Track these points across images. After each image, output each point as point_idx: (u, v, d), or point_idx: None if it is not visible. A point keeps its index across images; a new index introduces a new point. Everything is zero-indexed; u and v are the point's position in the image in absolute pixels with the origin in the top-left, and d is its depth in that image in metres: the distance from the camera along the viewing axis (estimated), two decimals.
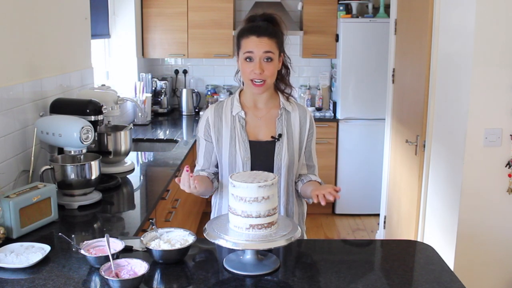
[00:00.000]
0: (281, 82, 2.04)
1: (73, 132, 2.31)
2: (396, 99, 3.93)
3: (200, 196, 2.10)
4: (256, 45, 1.88)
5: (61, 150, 2.45)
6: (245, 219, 1.61)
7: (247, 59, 1.90)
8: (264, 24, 1.92)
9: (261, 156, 1.98)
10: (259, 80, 1.90)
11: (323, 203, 1.80)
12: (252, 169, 1.95)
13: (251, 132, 2.00)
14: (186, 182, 1.79)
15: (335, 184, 5.01)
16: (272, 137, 1.99)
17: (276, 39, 1.91)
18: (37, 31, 2.55)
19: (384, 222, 4.22)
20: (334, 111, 5.01)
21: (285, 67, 2.03)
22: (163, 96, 5.07)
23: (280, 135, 1.99)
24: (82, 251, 1.69)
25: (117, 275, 1.55)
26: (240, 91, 2.05)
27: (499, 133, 2.65)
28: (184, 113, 5.13)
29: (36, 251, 1.77)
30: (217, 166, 2.07)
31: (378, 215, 4.48)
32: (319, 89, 5.20)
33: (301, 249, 1.90)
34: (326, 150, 4.89)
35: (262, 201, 1.59)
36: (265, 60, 1.88)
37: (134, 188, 2.78)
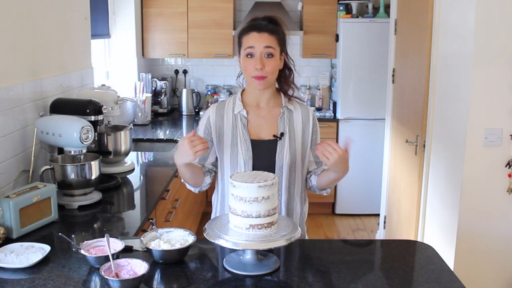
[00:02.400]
0: (285, 83, 2.04)
1: (73, 132, 2.31)
2: (396, 99, 3.93)
3: (191, 189, 2.07)
4: (257, 40, 1.89)
5: (61, 150, 2.45)
6: (245, 219, 1.61)
7: (248, 55, 1.91)
8: (263, 22, 1.95)
9: (263, 155, 1.98)
10: (260, 76, 1.90)
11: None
12: (253, 168, 1.95)
13: (252, 131, 2.00)
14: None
15: (335, 186, 5.00)
16: (274, 136, 1.99)
17: (277, 36, 1.93)
18: (37, 31, 2.55)
19: (384, 222, 4.22)
20: (334, 111, 5.01)
21: (288, 69, 2.03)
22: (163, 96, 5.07)
23: (282, 134, 1.99)
24: (82, 251, 1.69)
25: (117, 275, 1.55)
26: (243, 91, 2.06)
27: (499, 133, 2.65)
28: (184, 113, 5.13)
29: (36, 251, 1.77)
30: (212, 165, 2.06)
31: (378, 215, 4.48)
32: (319, 89, 5.20)
33: (301, 249, 1.90)
34: None
35: (262, 201, 1.59)
36: (266, 55, 1.90)
37: (134, 188, 2.78)
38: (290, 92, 2.05)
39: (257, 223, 1.60)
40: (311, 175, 2.06)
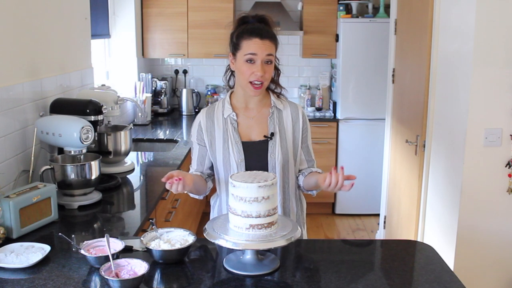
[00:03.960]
0: (271, 82, 2.04)
1: (73, 132, 2.31)
2: (396, 99, 3.93)
3: (195, 197, 2.10)
4: (260, 47, 1.88)
5: (61, 150, 2.45)
6: (245, 219, 1.61)
7: (249, 61, 1.89)
8: (264, 26, 1.93)
9: (255, 156, 1.98)
10: (258, 82, 1.90)
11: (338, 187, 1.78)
12: (246, 170, 1.95)
13: (243, 133, 2.00)
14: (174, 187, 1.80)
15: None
16: (264, 136, 1.99)
17: (276, 42, 1.93)
18: (37, 31, 2.55)
19: (384, 222, 4.22)
20: (334, 111, 5.01)
21: (275, 69, 2.02)
22: (163, 96, 5.07)
23: (272, 134, 1.99)
24: (82, 251, 1.69)
25: (117, 275, 1.55)
26: (231, 93, 2.05)
27: (499, 133, 2.65)
28: (184, 113, 5.13)
29: (36, 251, 1.77)
30: (210, 169, 2.08)
31: (378, 215, 4.48)
32: (319, 89, 5.20)
33: (301, 249, 1.90)
34: (326, 150, 4.88)
35: (262, 201, 1.60)
36: (265, 62, 1.89)
37: (134, 188, 2.78)
38: (277, 90, 2.06)
39: (257, 223, 1.61)
40: (299, 175, 2.06)
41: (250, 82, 1.90)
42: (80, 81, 3.08)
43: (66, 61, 2.90)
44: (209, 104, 5.04)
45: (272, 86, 2.05)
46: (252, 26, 1.93)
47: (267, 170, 1.96)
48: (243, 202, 1.60)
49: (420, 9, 3.29)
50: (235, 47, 1.93)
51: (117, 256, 1.68)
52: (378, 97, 4.74)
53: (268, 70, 1.90)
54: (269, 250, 1.75)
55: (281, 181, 2.00)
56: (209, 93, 5.28)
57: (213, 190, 2.14)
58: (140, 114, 4.46)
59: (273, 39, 1.92)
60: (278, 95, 2.06)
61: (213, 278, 1.66)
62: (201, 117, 2.05)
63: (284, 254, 1.81)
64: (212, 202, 2.16)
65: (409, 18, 3.59)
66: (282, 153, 1.98)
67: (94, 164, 2.36)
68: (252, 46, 1.88)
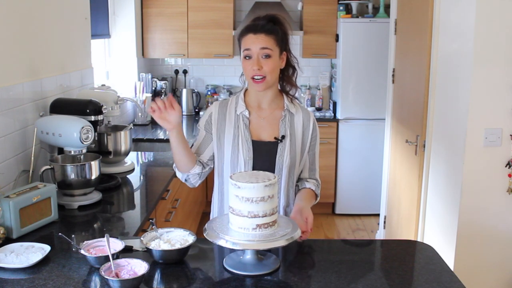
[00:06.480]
0: (287, 82, 2.04)
1: (73, 132, 2.31)
2: (396, 99, 3.93)
3: (178, 174, 2.05)
4: (253, 41, 1.89)
5: (61, 150, 2.45)
6: (252, 220, 1.60)
7: (246, 57, 1.91)
8: (263, 22, 1.94)
9: (263, 156, 1.98)
10: (258, 77, 1.90)
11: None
12: (253, 169, 1.95)
13: (254, 132, 2.00)
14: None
15: (335, 184, 5.02)
16: (275, 138, 1.99)
17: (275, 35, 1.92)
18: (37, 31, 2.55)
19: (384, 222, 4.22)
20: (334, 111, 5.01)
21: (291, 67, 2.02)
22: (163, 96, 5.07)
23: (283, 137, 1.99)
24: (82, 251, 1.69)
25: (117, 275, 1.55)
26: (246, 91, 2.06)
27: (499, 133, 2.65)
28: (184, 113, 5.13)
29: (36, 251, 1.77)
30: (209, 159, 2.05)
31: (378, 215, 4.48)
32: (319, 89, 5.20)
33: (301, 249, 1.90)
34: (326, 150, 4.89)
35: (268, 200, 1.60)
36: (263, 56, 1.89)
37: (134, 188, 2.78)
38: (292, 91, 2.05)
39: (264, 222, 1.60)
40: (296, 185, 2.07)
41: (252, 78, 1.91)
42: (80, 81, 3.08)
43: (66, 61, 2.90)
44: (209, 105, 5.07)
45: (287, 87, 2.04)
46: (249, 24, 1.95)
47: (273, 171, 1.96)
48: (249, 203, 1.59)
49: (420, 9, 3.29)
50: (239, 47, 1.97)
51: (117, 256, 1.68)
52: (378, 97, 4.75)
53: (267, 64, 1.90)
54: (269, 250, 1.75)
55: (285, 184, 2.00)
56: (209, 93, 5.28)
57: (211, 188, 2.14)
58: (140, 114, 4.46)
59: (270, 33, 1.91)
60: (292, 99, 2.05)
61: (213, 278, 1.66)
62: (213, 109, 2.05)
63: (284, 254, 1.81)
64: (213, 198, 2.15)
65: (409, 18, 3.59)
66: (291, 157, 1.99)
67: (94, 164, 2.36)
68: (247, 41, 1.91)
